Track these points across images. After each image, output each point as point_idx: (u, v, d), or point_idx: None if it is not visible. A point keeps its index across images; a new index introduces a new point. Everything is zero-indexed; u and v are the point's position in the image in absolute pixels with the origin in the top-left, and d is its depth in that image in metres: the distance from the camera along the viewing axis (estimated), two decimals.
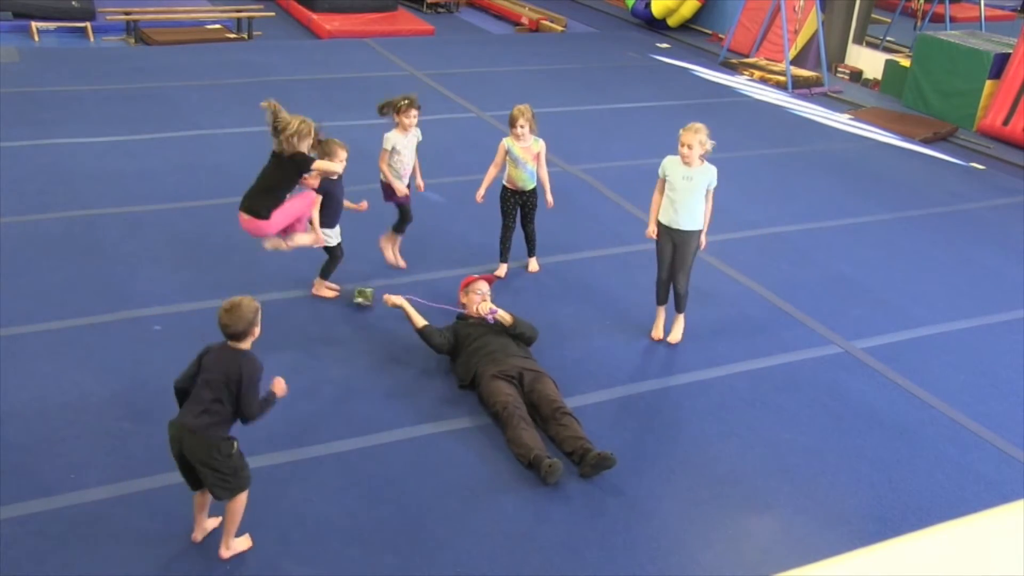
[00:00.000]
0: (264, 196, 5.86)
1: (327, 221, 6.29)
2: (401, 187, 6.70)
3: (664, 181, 6.08)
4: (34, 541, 4.34)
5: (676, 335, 6.35)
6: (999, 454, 5.47)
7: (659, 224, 6.13)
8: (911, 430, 5.64)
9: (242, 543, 4.35)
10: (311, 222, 6.24)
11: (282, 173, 5.85)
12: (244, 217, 5.87)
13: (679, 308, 6.32)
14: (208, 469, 4.06)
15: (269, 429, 4.83)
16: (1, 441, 4.95)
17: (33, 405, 5.28)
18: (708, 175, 6.01)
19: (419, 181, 6.91)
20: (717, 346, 6.38)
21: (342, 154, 6.18)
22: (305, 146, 5.83)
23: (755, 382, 6.00)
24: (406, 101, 6.57)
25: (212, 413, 4.00)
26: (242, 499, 4.21)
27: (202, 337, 5.95)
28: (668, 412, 5.65)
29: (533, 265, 7.11)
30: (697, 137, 5.94)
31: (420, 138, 6.77)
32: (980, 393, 6.07)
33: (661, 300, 6.37)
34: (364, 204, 6.64)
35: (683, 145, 5.94)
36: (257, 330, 4.14)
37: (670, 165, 6.05)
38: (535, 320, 6.19)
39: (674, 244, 6.10)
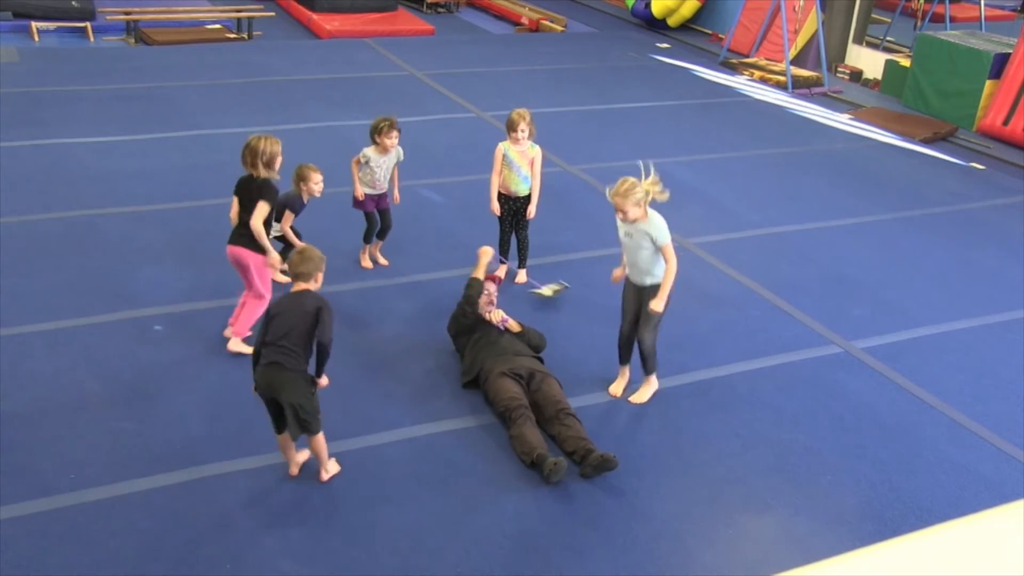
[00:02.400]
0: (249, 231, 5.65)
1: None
2: (360, 191, 6.78)
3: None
4: (34, 541, 4.34)
5: (642, 395, 5.68)
6: (999, 454, 5.47)
7: (627, 277, 5.59)
8: (911, 430, 5.64)
9: (334, 466, 4.88)
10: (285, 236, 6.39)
11: (252, 201, 5.63)
12: (235, 249, 5.71)
13: (647, 369, 5.65)
14: (296, 407, 4.54)
15: (268, 429, 4.82)
16: (1, 441, 4.95)
17: (33, 405, 5.28)
18: (648, 230, 5.26)
19: (395, 193, 7.05)
20: (717, 346, 6.37)
21: (316, 177, 6.34)
22: (272, 171, 5.62)
23: (755, 382, 6.00)
24: (387, 123, 6.66)
25: (295, 352, 4.52)
26: (321, 436, 4.73)
27: (202, 337, 6.01)
28: (668, 412, 5.65)
29: (521, 277, 7.01)
30: (627, 200, 5.17)
31: (401, 158, 6.88)
32: (980, 393, 6.07)
33: (623, 358, 5.72)
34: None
35: (616, 210, 5.26)
36: (321, 276, 4.72)
37: (619, 222, 5.42)
38: (535, 320, 6.21)
39: (639, 298, 5.50)
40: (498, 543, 4.52)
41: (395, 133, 6.69)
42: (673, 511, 4.83)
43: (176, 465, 4.87)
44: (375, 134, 6.68)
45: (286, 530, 4.51)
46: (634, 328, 5.59)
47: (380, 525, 4.59)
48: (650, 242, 5.29)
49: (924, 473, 5.25)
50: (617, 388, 5.77)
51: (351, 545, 4.45)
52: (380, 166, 6.75)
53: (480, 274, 5.99)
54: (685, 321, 6.45)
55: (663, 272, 5.37)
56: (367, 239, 7.05)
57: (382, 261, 7.16)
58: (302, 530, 4.51)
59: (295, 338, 4.52)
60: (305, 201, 6.45)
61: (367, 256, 7.11)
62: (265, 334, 4.58)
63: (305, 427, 4.63)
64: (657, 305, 5.35)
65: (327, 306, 4.58)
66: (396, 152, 6.81)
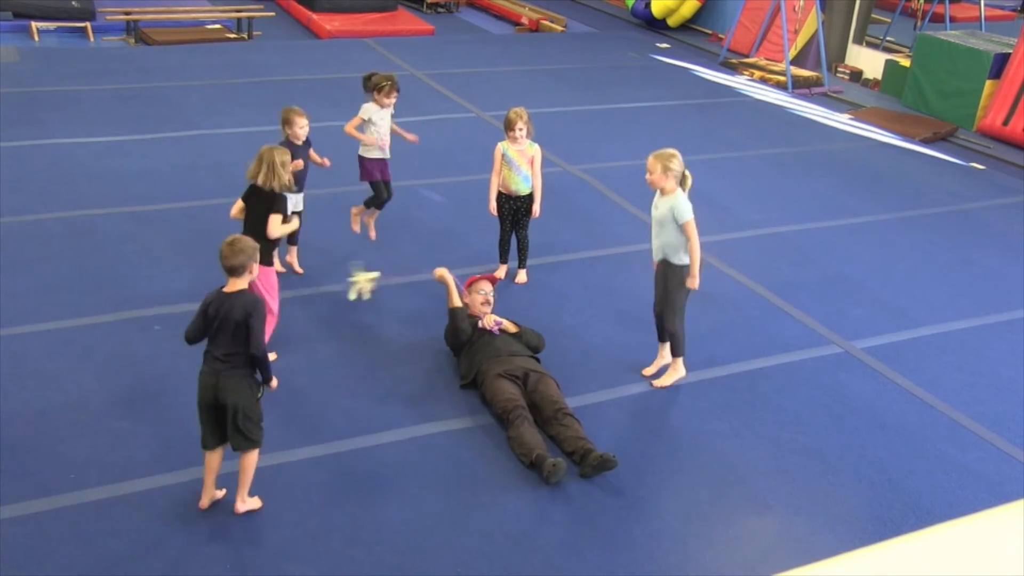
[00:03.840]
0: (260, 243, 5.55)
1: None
2: (370, 138, 6.82)
3: None
4: (34, 541, 4.34)
5: (665, 380, 5.83)
6: (999, 454, 5.47)
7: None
8: (911, 430, 5.64)
9: (254, 502, 4.58)
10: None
11: (258, 213, 5.59)
12: None
13: (672, 352, 5.81)
14: (238, 413, 4.32)
15: (268, 429, 4.82)
16: (1, 441, 4.95)
17: (33, 405, 5.28)
18: (671, 204, 5.46)
19: (408, 135, 7.10)
20: (717, 346, 6.37)
21: (301, 121, 6.39)
22: (281, 182, 5.58)
23: (755, 382, 6.00)
24: (388, 83, 6.76)
25: (235, 356, 4.30)
26: (255, 455, 4.48)
27: None
28: (668, 412, 5.65)
29: (521, 277, 7.01)
30: (659, 162, 5.46)
31: (393, 111, 6.97)
32: (980, 393, 6.07)
33: (660, 336, 5.89)
34: (327, 162, 6.79)
35: (647, 170, 5.54)
36: (255, 267, 4.43)
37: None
38: (535, 320, 6.20)
39: (664, 276, 5.68)
40: (498, 543, 4.52)
41: (395, 95, 6.82)
42: (673, 511, 4.83)
43: (176, 465, 4.87)
44: (376, 91, 6.75)
45: (286, 530, 4.51)
46: (661, 307, 5.76)
47: (380, 525, 4.59)
48: (667, 218, 5.50)
49: (924, 473, 5.25)
50: (651, 368, 5.94)
51: (351, 545, 4.45)
52: (382, 120, 6.84)
53: (455, 301, 5.87)
54: (685, 321, 6.44)
55: (679, 253, 5.56)
56: (370, 204, 7.13)
57: (371, 233, 7.29)
58: (302, 530, 4.51)
59: (229, 346, 4.29)
60: (297, 143, 6.42)
61: (358, 220, 7.20)
62: (201, 333, 4.37)
63: (246, 436, 4.38)
64: (693, 283, 5.59)
65: (258, 312, 4.29)
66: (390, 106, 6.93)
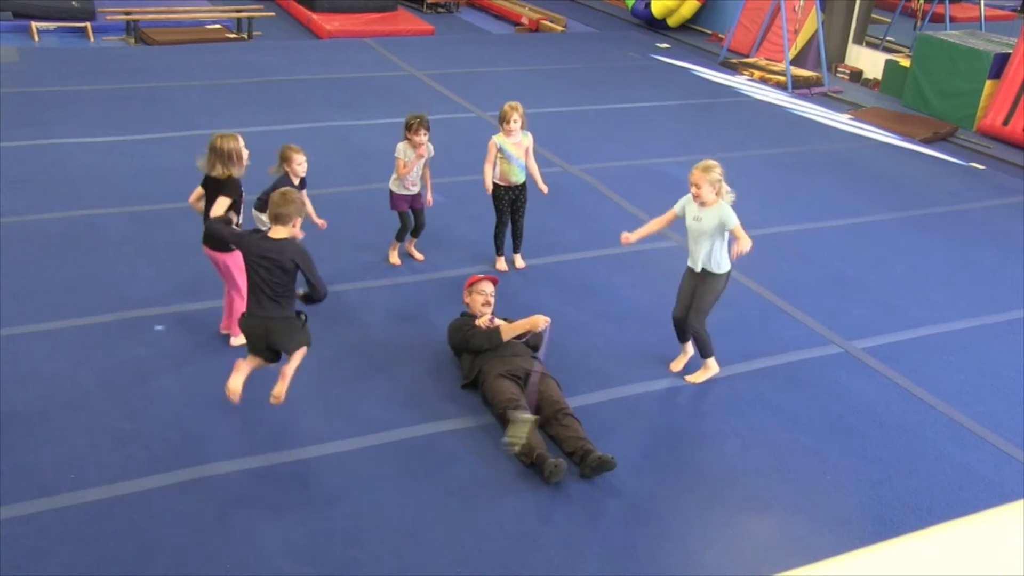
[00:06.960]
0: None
1: None
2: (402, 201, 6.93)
3: (674, 214, 5.81)
4: (34, 541, 4.34)
5: (697, 376, 5.92)
6: (999, 454, 5.47)
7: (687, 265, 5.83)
8: (911, 430, 5.64)
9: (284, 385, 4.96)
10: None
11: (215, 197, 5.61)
12: (208, 251, 5.70)
13: (701, 354, 5.89)
14: (289, 340, 4.84)
15: (270, 429, 4.83)
16: (1, 441, 4.95)
17: (33, 405, 5.28)
18: (718, 215, 5.55)
19: (428, 196, 7.07)
20: (717, 346, 6.35)
21: (299, 158, 6.29)
22: (234, 167, 5.58)
23: (755, 382, 6.00)
24: (416, 120, 6.75)
25: (282, 298, 4.72)
26: (303, 350, 4.94)
27: (202, 337, 6.01)
28: (668, 412, 5.65)
29: (519, 262, 7.16)
30: (706, 176, 5.51)
31: (432, 154, 6.95)
32: (980, 393, 6.07)
33: (680, 338, 6.00)
34: (323, 223, 6.57)
35: (692, 184, 5.57)
36: (299, 222, 4.82)
37: (687, 203, 5.73)
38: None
39: (693, 284, 5.78)
40: (498, 543, 4.52)
41: (424, 131, 6.75)
42: (673, 511, 4.83)
43: (176, 465, 4.87)
44: (407, 130, 6.78)
45: (286, 530, 4.51)
46: (685, 313, 5.82)
47: (380, 525, 4.59)
48: (715, 228, 5.57)
49: (924, 473, 5.25)
50: (677, 364, 6.05)
51: (351, 545, 4.45)
52: (413, 159, 6.82)
53: (511, 334, 5.72)
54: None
55: (720, 260, 5.68)
56: (399, 237, 7.16)
57: (418, 256, 7.29)
58: (302, 530, 4.51)
59: (278, 289, 4.69)
60: (294, 182, 6.34)
61: (396, 253, 7.21)
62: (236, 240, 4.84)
63: (297, 343, 4.87)
64: (745, 245, 5.52)
65: (306, 258, 4.72)
66: (428, 148, 6.89)
